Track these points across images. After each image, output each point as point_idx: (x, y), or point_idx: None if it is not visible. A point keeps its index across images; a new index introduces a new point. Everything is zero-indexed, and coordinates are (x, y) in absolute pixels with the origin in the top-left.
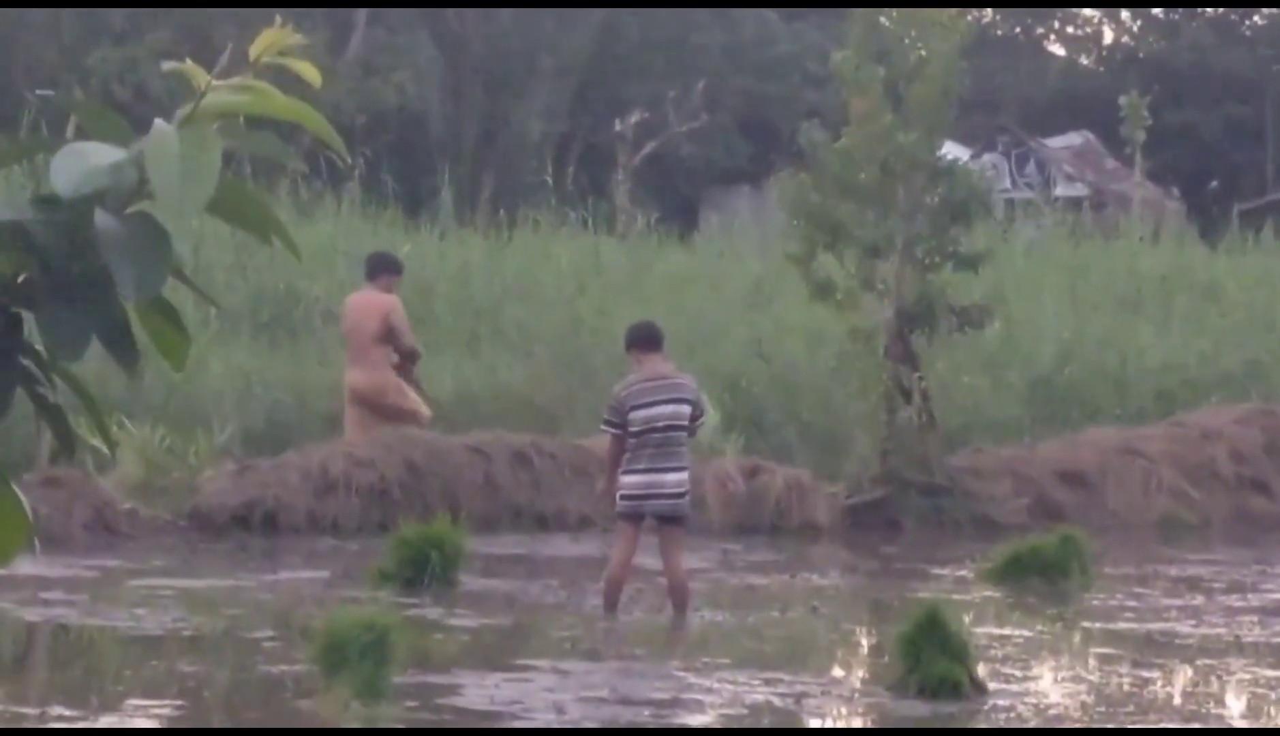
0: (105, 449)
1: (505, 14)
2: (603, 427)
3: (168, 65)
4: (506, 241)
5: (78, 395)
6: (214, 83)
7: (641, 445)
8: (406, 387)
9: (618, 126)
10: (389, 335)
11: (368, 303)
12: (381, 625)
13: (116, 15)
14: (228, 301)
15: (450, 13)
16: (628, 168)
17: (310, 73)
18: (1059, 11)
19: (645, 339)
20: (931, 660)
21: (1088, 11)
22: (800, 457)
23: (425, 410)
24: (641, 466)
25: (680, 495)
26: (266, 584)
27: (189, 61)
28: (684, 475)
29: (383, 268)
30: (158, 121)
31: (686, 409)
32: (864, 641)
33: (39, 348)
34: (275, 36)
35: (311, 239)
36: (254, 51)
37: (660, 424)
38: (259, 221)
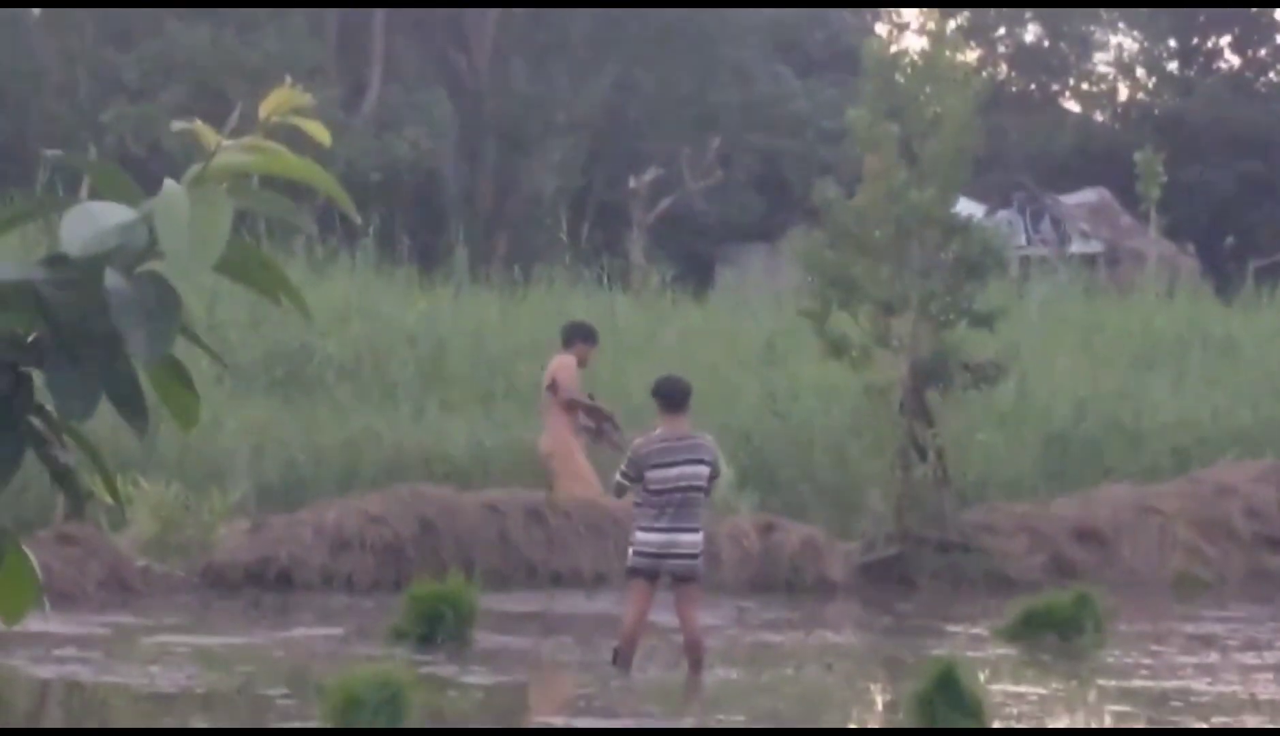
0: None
1: (520, 69)
2: (618, 478)
3: (177, 125)
4: (521, 298)
5: (87, 454)
6: (224, 143)
7: (662, 506)
8: (572, 457)
9: (632, 183)
10: (552, 389)
11: (550, 366)
12: (395, 682)
13: (131, 73)
14: (242, 358)
15: (465, 68)
16: (642, 224)
17: (319, 132)
18: (1074, 68)
19: (670, 397)
20: (946, 718)
21: (1102, 68)
22: (815, 514)
23: (589, 488)
24: (661, 526)
25: (695, 555)
26: (280, 641)
27: (199, 122)
28: (699, 536)
29: (578, 336)
30: (168, 182)
31: (705, 469)
32: (879, 699)
33: (48, 407)
34: (285, 96)
35: (326, 297)
36: (264, 111)
37: (680, 485)
38: (268, 281)
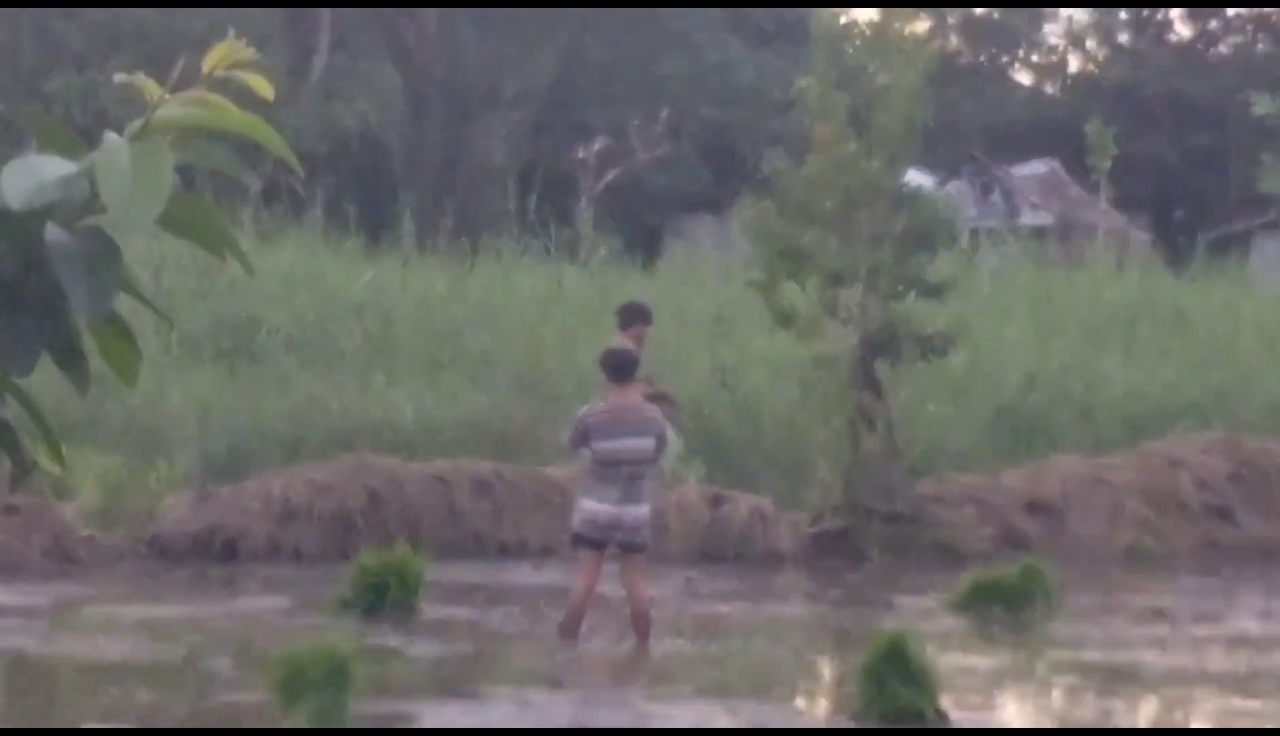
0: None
1: (467, 39)
2: (564, 443)
3: (120, 77)
4: (469, 269)
5: (28, 412)
6: (166, 96)
7: (610, 478)
8: None
9: (580, 154)
10: None
11: None
12: (341, 653)
13: (76, 40)
14: (188, 328)
15: (412, 38)
16: (590, 195)
17: (262, 86)
18: (1024, 39)
19: (616, 367)
20: (895, 689)
21: (1053, 40)
22: (764, 486)
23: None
24: (611, 499)
25: (641, 527)
26: (226, 611)
27: (141, 75)
28: (646, 508)
29: (637, 317)
30: (109, 134)
31: (651, 443)
32: (827, 670)
33: None
34: (228, 49)
35: (273, 266)
36: (207, 64)
37: (628, 457)
38: (212, 236)
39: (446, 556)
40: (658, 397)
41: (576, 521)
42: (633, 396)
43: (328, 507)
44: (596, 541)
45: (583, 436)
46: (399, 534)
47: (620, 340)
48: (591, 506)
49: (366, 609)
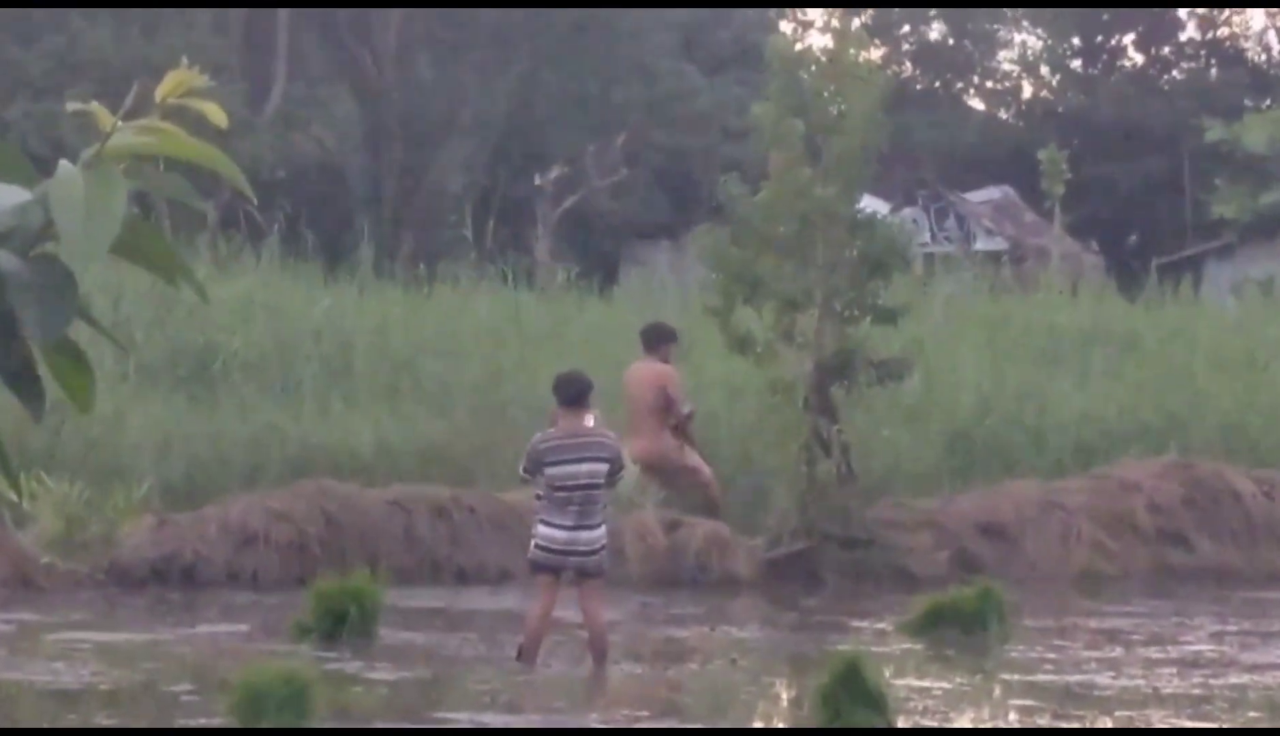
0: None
1: (424, 67)
2: (521, 475)
3: (73, 105)
4: (426, 295)
5: None
6: (120, 124)
7: (563, 502)
8: (686, 446)
9: (537, 181)
10: (667, 404)
11: (646, 374)
12: (300, 678)
13: (34, 68)
14: (146, 355)
15: (370, 65)
16: (548, 222)
17: (216, 113)
18: (978, 65)
19: (566, 392)
20: (851, 713)
21: (1007, 66)
22: (720, 510)
23: (706, 467)
24: (566, 523)
25: (596, 551)
26: (185, 637)
27: (95, 103)
28: (600, 532)
29: (661, 338)
30: (63, 163)
31: (604, 467)
32: (783, 694)
33: None
34: (182, 77)
35: (231, 294)
36: (161, 92)
37: (579, 482)
38: (164, 263)
39: (404, 582)
40: (681, 423)
41: (532, 547)
42: (586, 420)
43: (286, 534)
44: (553, 566)
45: (536, 463)
46: (357, 560)
47: (664, 371)
48: (547, 532)
49: (325, 634)
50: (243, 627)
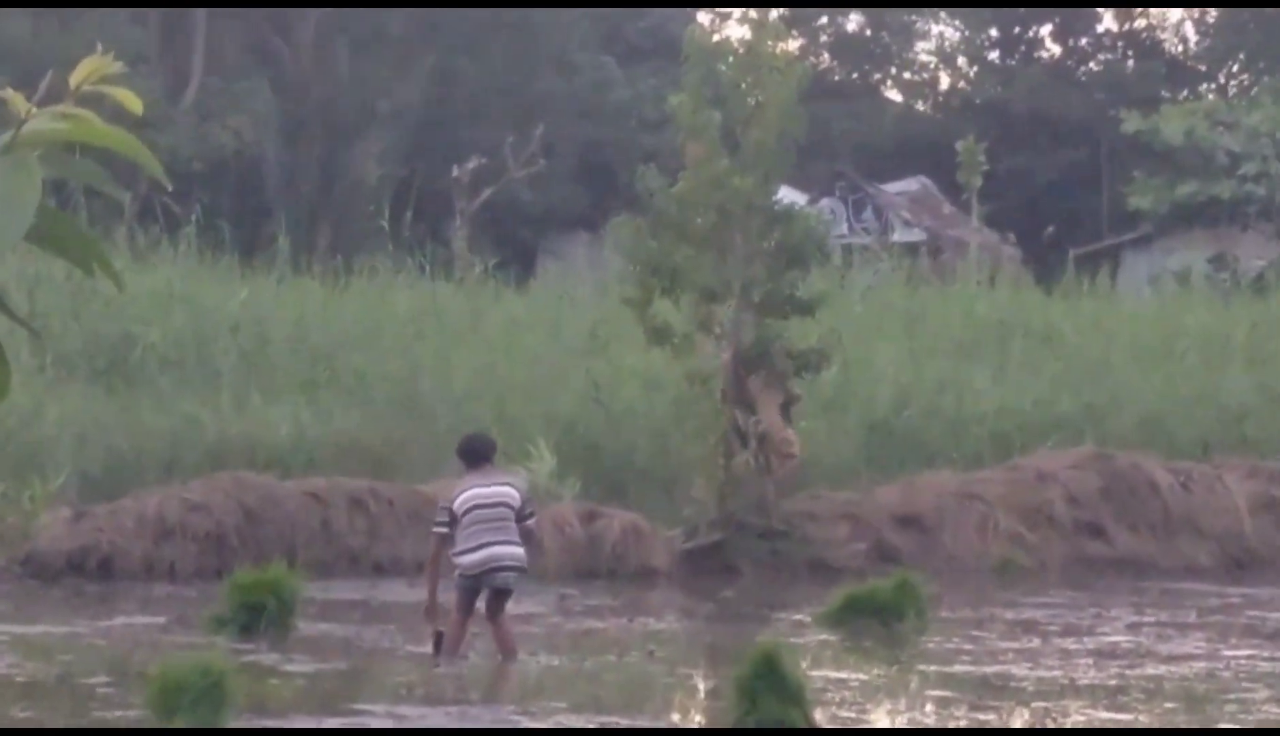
0: None
1: (342, 59)
2: (434, 529)
3: None
4: (344, 288)
5: None
6: (35, 110)
7: (474, 524)
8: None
9: (455, 172)
10: None
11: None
12: (217, 670)
13: None
14: (63, 347)
15: (287, 58)
16: (465, 213)
17: (131, 100)
18: (896, 57)
19: (470, 454)
20: (768, 703)
21: (924, 57)
22: (637, 502)
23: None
24: (479, 543)
25: (518, 566)
26: (102, 630)
27: (9, 89)
28: (521, 550)
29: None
30: None
31: (512, 491)
32: (701, 685)
33: None
34: (97, 64)
35: (148, 285)
36: (74, 78)
37: (489, 503)
38: (80, 251)
39: (322, 574)
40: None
41: (458, 578)
42: (492, 473)
43: (203, 526)
44: (473, 589)
45: (450, 514)
46: (275, 552)
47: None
48: (469, 559)
49: (243, 626)
50: (160, 620)
